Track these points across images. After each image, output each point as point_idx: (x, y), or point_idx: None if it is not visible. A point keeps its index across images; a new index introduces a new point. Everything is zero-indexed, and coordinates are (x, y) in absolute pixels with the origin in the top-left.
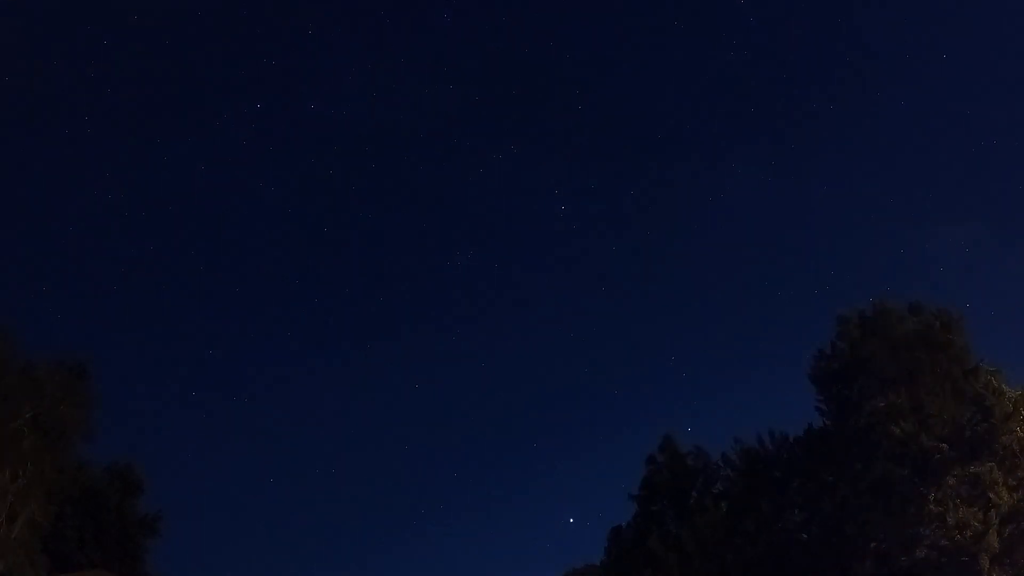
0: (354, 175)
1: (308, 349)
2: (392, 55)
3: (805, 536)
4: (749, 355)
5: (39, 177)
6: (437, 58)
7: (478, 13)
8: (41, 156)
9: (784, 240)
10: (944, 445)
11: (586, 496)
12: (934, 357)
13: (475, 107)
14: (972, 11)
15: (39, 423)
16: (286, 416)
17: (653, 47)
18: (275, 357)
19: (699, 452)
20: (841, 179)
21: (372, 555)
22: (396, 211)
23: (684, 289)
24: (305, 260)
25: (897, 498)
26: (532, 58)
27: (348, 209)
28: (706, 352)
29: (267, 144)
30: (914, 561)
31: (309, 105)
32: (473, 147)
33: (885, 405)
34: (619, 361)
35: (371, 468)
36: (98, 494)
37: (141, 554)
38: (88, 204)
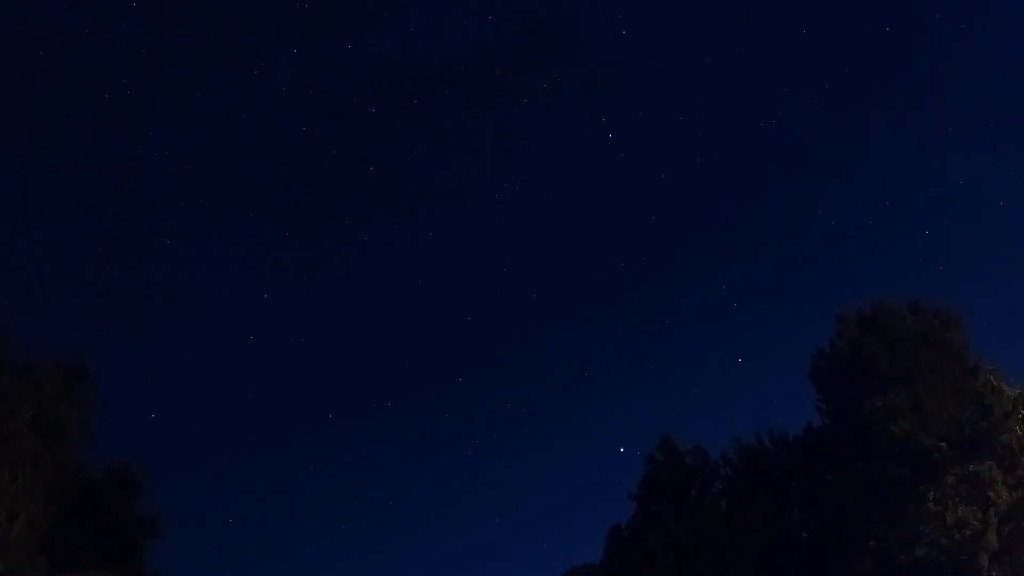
0: (396, 113)
1: (309, 347)
2: None
3: (804, 535)
4: (749, 355)
5: (39, 175)
6: None
7: None
8: (41, 153)
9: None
10: (943, 444)
11: (586, 496)
12: (933, 356)
13: (516, 37)
14: None
15: (38, 423)
16: (286, 414)
17: None
18: (276, 355)
19: (698, 451)
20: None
21: (372, 554)
22: (441, 148)
23: (684, 287)
24: (317, 240)
25: (896, 497)
26: None
27: (386, 160)
28: (706, 352)
29: (307, 88)
30: (913, 560)
31: (346, 46)
32: (516, 78)
33: (884, 404)
34: (619, 360)
35: (371, 467)
36: (97, 494)
37: (141, 554)
38: (88, 203)
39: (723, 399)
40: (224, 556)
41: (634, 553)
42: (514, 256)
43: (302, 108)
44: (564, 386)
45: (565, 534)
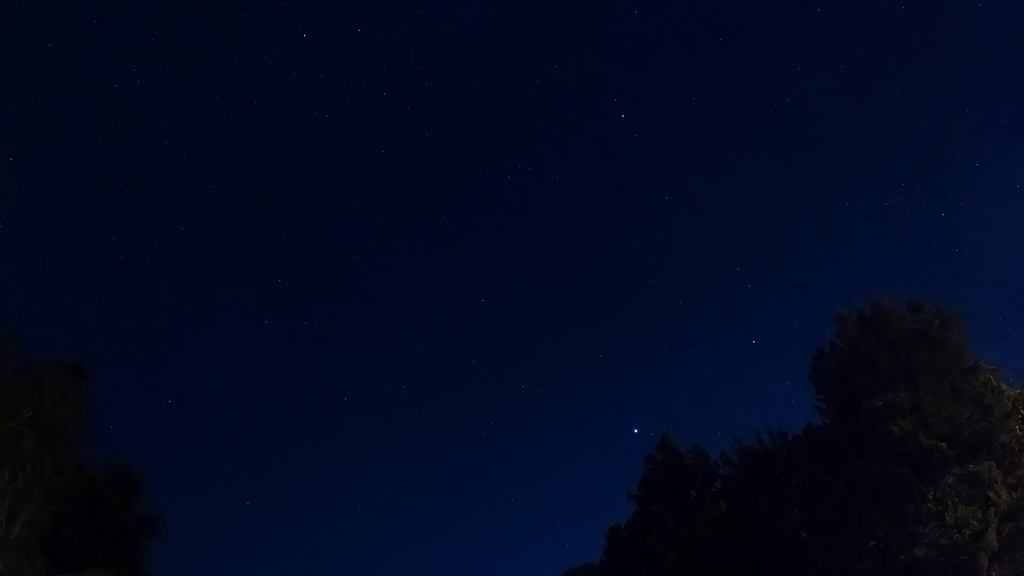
0: (407, 97)
1: (310, 346)
2: None
3: (804, 535)
4: (749, 355)
5: (39, 174)
6: None
7: None
8: (41, 151)
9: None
10: (943, 444)
11: (586, 496)
12: (933, 356)
13: (527, 19)
14: None
15: (38, 423)
16: (285, 416)
17: None
18: (278, 355)
19: (698, 451)
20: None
21: (372, 554)
22: (452, 131)
23: (685, 286)
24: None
25: (896, 497)
26: None
27: (398, 141)
28: (705, 351)
29: (318, 74)
30: (913, 560)
31: (356, 30)
32: (527, 60)
33: (884, 404)
34: (618, 361)
35: (371, 468)
36: (97, 494)
37: (141, 554)
38: (89, 202)
39: (723, 399)
40: (224, 556)
41: (634, 553)
42: (522, 245)
43: (313, 94)
44: (563, 388)
45: (565, 534)
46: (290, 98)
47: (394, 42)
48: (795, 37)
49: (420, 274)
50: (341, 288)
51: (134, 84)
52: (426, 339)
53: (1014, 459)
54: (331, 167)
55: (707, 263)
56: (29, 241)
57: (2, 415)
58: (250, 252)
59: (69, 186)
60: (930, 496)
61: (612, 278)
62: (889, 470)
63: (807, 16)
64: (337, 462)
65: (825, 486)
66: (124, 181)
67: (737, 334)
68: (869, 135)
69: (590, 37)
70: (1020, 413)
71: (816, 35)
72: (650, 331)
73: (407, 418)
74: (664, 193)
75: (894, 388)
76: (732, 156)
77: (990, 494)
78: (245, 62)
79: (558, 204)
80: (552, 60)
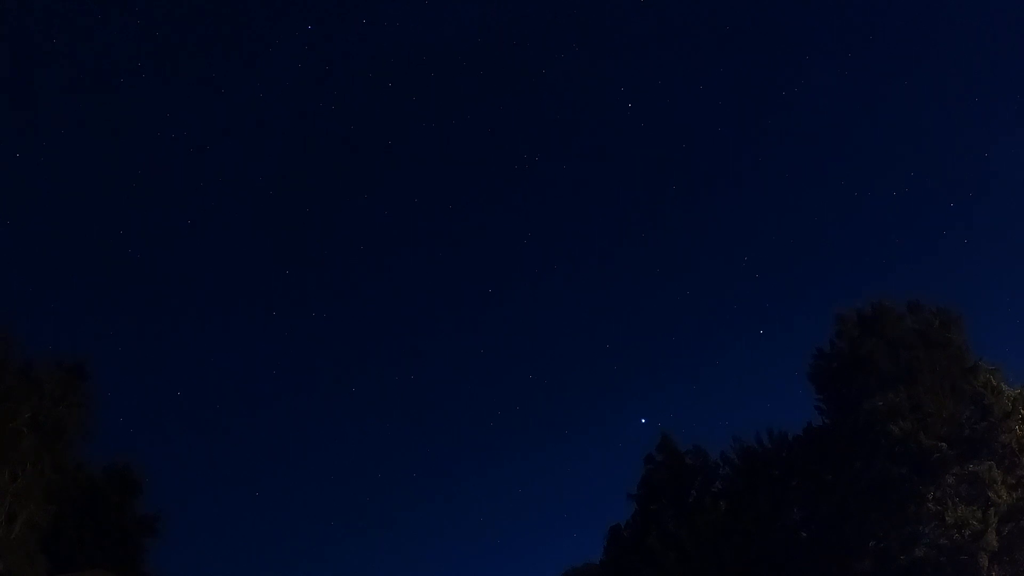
0: (413, 88)
1: (311, 346)
2: None
3: (804, 535)
4: (749, 354)
5: (39, 174)
6: None
7: None
8: (41, 152)
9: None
10: (943, 444)
11: (586, 496)
12: (933, 356)
13: (532, 10)
14: None
15: (38, 423)
16: (286, 415)
17: None
18: (275, 356)
19: (698, 451)
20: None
21: (372, 554)
22: (458, 122)
23: (685, 284)
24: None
25: (896, 497)
26: None
27: (403, 133)
28: (706, 350)
29: (323, 65)
30: (913, 560)
31: (360, 23)
32: (533, 51)
33: (884, 404)
34: (618, 360)
35: (371, 468)
36: (97, 494)
37: (141, 554)
38: (89, 202)
39: (723, 399)
40: (224, 556)
41: (634, 553)
42: (526, 241)
43: (316, 90)
44: (563, 389)
45: (565, 534)
46: (293, 94)
47: (399, 36)
48: (801, 31)
49: (424, 270)
50: (343, 285)
51: (137, 81)
52: (428, 336)
53: (1014, 459)
54: (335, 162)
55: (709, 260)
56: (29, 241)
57: (2, 415)
58: (252, 249)
59: (70, 186)
60: (930, 496)
61: (613, 276)
62: (889, 470)
63: (812, 10)
64: (338, 461)
65: (825, 486)
66: (125, 179)
67: (738, 333)
68: (873, 130)
69: (595, 29)
70: (1020, 413)
71: (821, 30)
72: (651, 330)
73: (408, 417)
74: (668, 188)
75: (894, 388)
76: (736, 152)
77: (990, 494)
78: (248, 58)
79: (562, 199)
80: (557, 52)
